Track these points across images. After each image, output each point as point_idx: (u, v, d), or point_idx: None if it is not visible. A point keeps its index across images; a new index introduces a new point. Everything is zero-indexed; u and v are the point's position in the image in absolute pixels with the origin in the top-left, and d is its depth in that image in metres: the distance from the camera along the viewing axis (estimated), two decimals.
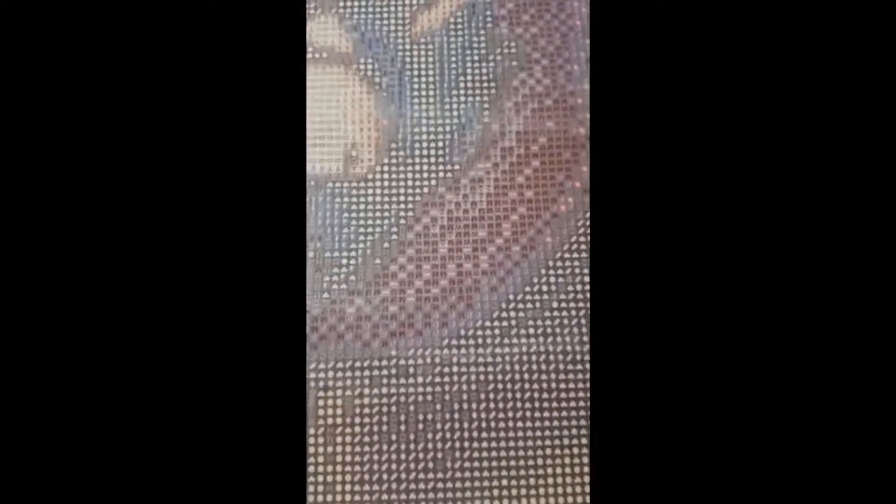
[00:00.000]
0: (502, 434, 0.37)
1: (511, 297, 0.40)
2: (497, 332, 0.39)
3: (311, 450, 0.36)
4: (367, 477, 0.36)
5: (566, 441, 0.36)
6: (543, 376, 0.38)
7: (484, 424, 0.37)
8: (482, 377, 0.38)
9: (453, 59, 0.44)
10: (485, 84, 0.44)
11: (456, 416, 0.37)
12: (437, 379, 0.38)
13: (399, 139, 0.42)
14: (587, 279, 0.39)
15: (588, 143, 0.42)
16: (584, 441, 0.36)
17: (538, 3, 0.45)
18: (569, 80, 0.44)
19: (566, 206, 0.41)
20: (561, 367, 0.38)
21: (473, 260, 0.40)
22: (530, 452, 0.36)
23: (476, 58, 0.44)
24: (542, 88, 0.44)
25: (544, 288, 0.40)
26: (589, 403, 0.37)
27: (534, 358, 0.38)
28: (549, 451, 0.36)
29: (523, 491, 0.36)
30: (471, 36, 0.44)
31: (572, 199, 0.41)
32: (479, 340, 0.39)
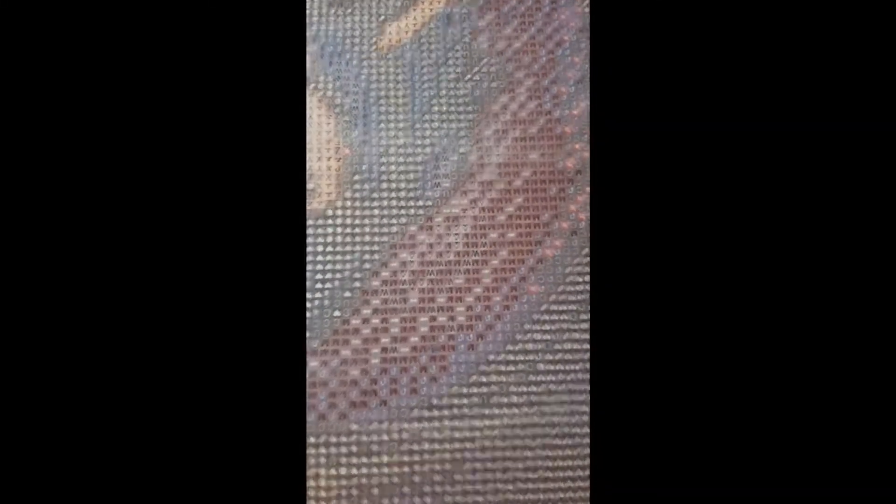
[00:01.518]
0: None
1: (491, 357, 0.35)
2: (475, 400, 0.34)
3: None
4: None
5: None
6: (529, 453, 0.33)
7: None
8: (458, 455, 0.33)
9: (426, 77, 0.39)
10: (461, 108, 0.39)
11: (427, 500, 0.32)
12: (405, 458, 0.33)
13: (363, 170, 0.37)
14: (578, 336, 0.35)
15: (577, 177, 0.38)
16: None
17: (522, 14, 0.41)
18: (556, 104, 0.39)
19: (553, 251, 0.36)
20: (549, 442, 0.33)
21: (448, 312, 0.35)
22: None
23: (452, 76, 0.39)
24: (525, 114, 0.39)
25: (529, 346, 0.35)
26: (586, 484, 0.32)
27: (518, 432, 0.33)
28: None
29: None
30: (446, 51, 0.39)
31: (560, 242, 0.37)
32: (455, 411, 0.34)
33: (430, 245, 0.36)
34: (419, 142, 0.38)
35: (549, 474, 0.33)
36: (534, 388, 0.34)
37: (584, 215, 0.37)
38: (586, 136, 0.38)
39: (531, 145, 0.38)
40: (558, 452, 0.33)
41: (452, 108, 0.39)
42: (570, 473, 0.33)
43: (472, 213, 0.37)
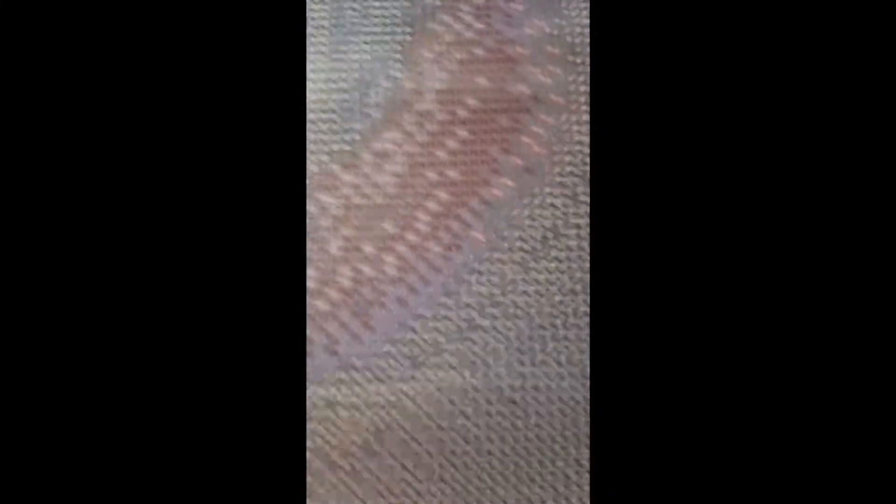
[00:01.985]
0: (403, 500, 0.28)
1: (422, 311, 0.30)
2: (403, 362, 0.29)
3: None
4: None
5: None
6: (462, 422, 0.29)
7: (381, 488, 0.28)
8: (381, 424, 0.29)
9: None
10: (395, 28, 0.34)
11: (343, 476, 0.28)
12: (320, 427, 0.29)
13: None
14: (524, 288, 0.30)
15: (532, 105, 0.32)
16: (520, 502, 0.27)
17: None
18: (508, 23, 0.34)
19: (502, 191, 0.32)
20: (488, 408, 0.29)
21: (375, 263, 0.31)
22: None
23: None
24: (472, 34, 0.34)
25: (467, 300, 0.30)
26: (532, 457, 0.28)
27: (453, 398, 0.29)
28: None
29: None
30: None
31: (510, 182, 0.32)
32: (379, 373, 0.29)
33: (356, 186, 0.32)
34: (344, 66, 0.33)
35: (491, 447, 0.28)
36: (473, 348, 0.29)
37: (540, 149, 0.32)
38: (541, 58, 0.33)
39: (478, 69, 0.33)
40: (498, 422, 0.28)
41: (384, 29, 0.34)
42: (512, 445, 0.28)
43: (407, 149, 0.32)
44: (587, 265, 0.30)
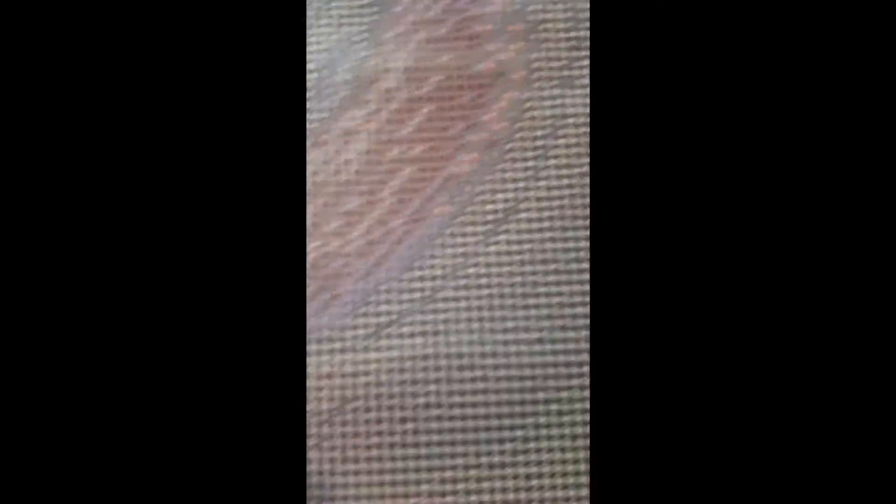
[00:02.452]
0: (369, 465, 0.29)
1: (385, 285, 0.31)
2: (368, 331, 0.31)
3: None
4: None
5: (455, 474, 0.29)
6: (426, 388, 0.30)
7: (349, 454, 0.29)
8: (347, 392, 0.30)
9: None
10: (360, 6, 0.35)
11: (311, 442, 0.29)
12: None
13: None
14: (484, 260, 0.31)
15: (495, 82, 0.33)
16: (482, 472, 0.29)
17: None
18: (470, 1, 0.35)
19: (466, 166, 0.33)
20: (449, 374, 0.30)
21: (342, 237, 0.32)
22: (400, 489, 0.28)
23: None
24: (435, 12, 0.34)
25: (428, 273, 0.31)
26: (492, 422, 0.29)
27: (417, 364, 0.30)
28: (426, 488, 0.29)
29: None
30: None
31: (474, 156, 0.33)
32: (345, 343, 0.31)
33: (324, 163, 0.33)
34: (310, 47, 0.34)
35: (453, 412, 0.29)
36: (434, 317, 0.31)
37: (503, 125, 0.33)
38: (504, 36, 0.34)
39: (442, 47, 0.34)
40: (460, 386, 0.30)
41: (349, 9, 0.34)
42: (471, 411, 0.29)
43: (372, 126, 0.33)
44: (549, 235, 0.31)
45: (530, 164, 0.32)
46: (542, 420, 0.29)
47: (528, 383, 0.30)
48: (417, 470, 0.29)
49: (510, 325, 0.30)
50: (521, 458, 0.29)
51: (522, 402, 0.30)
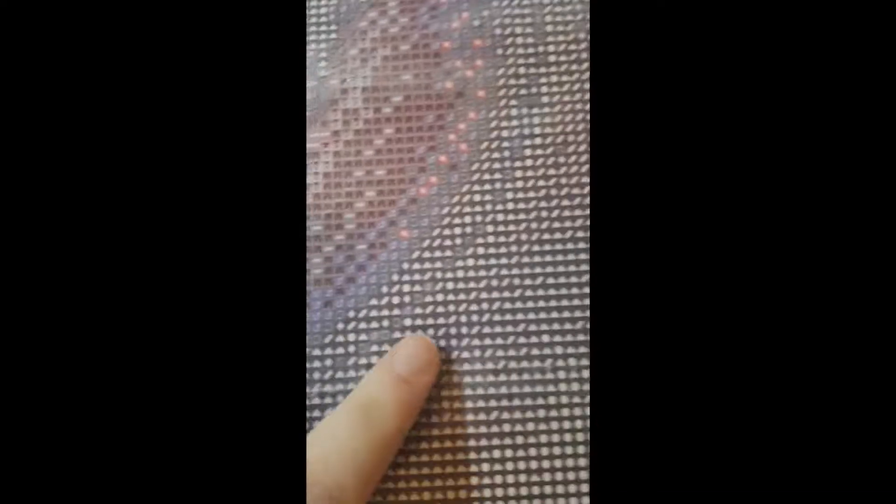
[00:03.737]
0: None
1: (351, 314, 0.31)
2: (329, 362, 0.30)
3: None
4: None
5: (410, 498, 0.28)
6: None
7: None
8: (311, 426, 0.29)
9: None
10: (321, 26, 0.34)
11: None
12: None
13: None
14: (452, 287, 0.31)
15: (458, 102, 0.33)
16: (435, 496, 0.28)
17: None
18: (433, 17, 0.34)
19: (428, 189, 0.32)
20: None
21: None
22: None
23: None
24: (397, 29, 0.34)
25: (395, 300, 0.31)
26: (459, 456, 0.29)
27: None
28: None
29: None
30: None
31: (436, 179, 0.32)
32: (305, 376, 0.30)
33: None
34: None
35: (413, 445, 0.29)
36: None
37: (466, 146, 0.32)
38: (468, 52, 0.33)
39: (403, 66, 0.33)
40: (422, 419, 0.29)
41: (310, 28, 0.34)
42: (438, 444, 0.29)
43: (334, 148, 0.33)
44: (511, 261, 0.31)
45: (495, 185, 0.32)
46: (508, 454, 0.29)
47: (494, 415, 0.29)
48: None
49: (475, 354, 0.30)
50: (477, 494, 0.29)
51: (483, 436, 0.29)
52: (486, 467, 0.28)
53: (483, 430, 0.29)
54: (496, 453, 0.29)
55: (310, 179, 0.32)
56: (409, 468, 0.29)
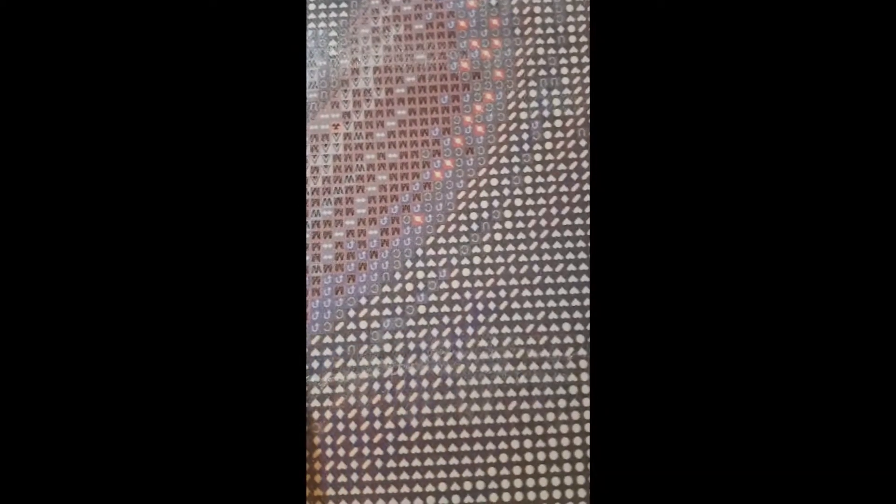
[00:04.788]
0: (345, 492, 0.27)
1: (363, 300, 0.30)
2: (340, 351, 0.29)
3: None
4: None
5: (433, 488, 0.27)
6: (400, 411, 0.28)
7: (318, 479, 0.28)
8: (315, 414, 0.28)
9: None
10: (330, 4, 0.33)
11: None
12: None
13: None
14: (467, 273, 0.30)
15: (474, 82, 0.32)
16: (454, 486, 0.27)
17: None
18: None
19: (442, 173, 0.31)
20: (428, 397, 0.28)
21: (312, 251, 0.30)
22: None
23: None
24: (410, 7, 0.33)
25: (409, 287, 0.30)
26: (468, 448, 0.28)
27: (388, 385, 0.29)
28: None
29: None
30: None
31: (451, 162, 0.31)
32: (314, 364, 0.29)
33: None
34: None
35: (427, 436, 0.28)
36: (413, 335, 0.29)
37: (482, 128, 0.31)
38: (485, 32, 0.32)
39: (417, 45, 0.32)
40: (440, 409, 0.28)
41: (320, 7, 0.33)
42: (454, 436, 0.28)
43: (344, 130, 0.32)
44: (530, 247, 0.30)
45: (513, 169, 0.31)
46: (515, 441, 0.28)
47: (502, 399, 0.28)
48: (399, 497, 0.27)
49: (491, 343, 0.29)
50: (495, 485, 0.28)
51: (495, 421, 0.28)
52: (503, 458, 0.27)
53: (501, 420, 0.28)
54: (514, 444, 0.28)
55: (319, 162, 0.31)
56: (426, 459, 0.28)
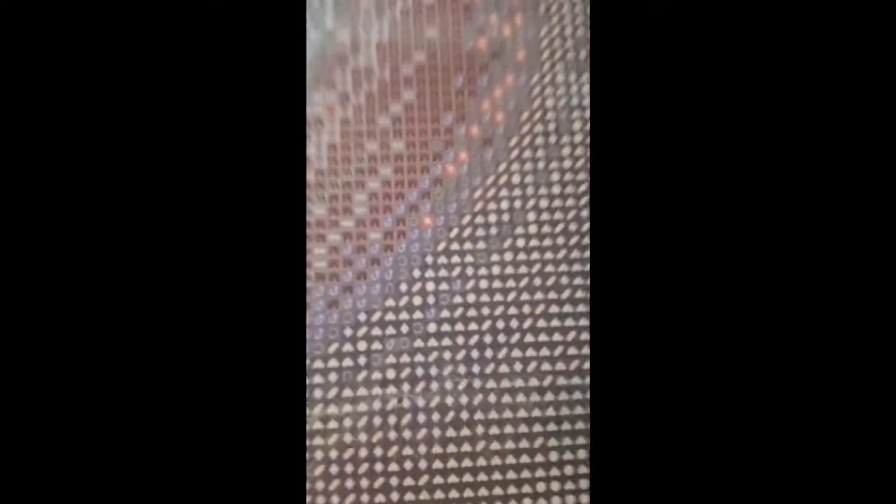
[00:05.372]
0: None
1: (362, 317, 0.25)
2: (334, 378, 0.25)
3: None
4: None
5: None
6: (406, 450, 0.24)
7: None
8: (311, 456, 0.24)
9: None
10: None
11: None
12: None
13: None
14: (492, 285, 0.25)
15: (493, 63, 0.27)
16: None
17: None
18: None
19: (456, 167, 0.27)
20: (440, 433, 0.24)
21: (304, 255, 0.26)
22: None
23: None
24: None
25: (417, 301, 0.25)
26: (485, 486, 0.23)
27: (392, 420, 0.24)
28: None
29: None
30: None
31: (466, 155, 0.27)
32: (307, 394, 0.25)
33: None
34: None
35: (440, 480, 0.24)
36: (422, 359, 0.25)
37: (502, 116, 0.27)
38: (505, 6, 0.28)
39: (427, 18, 0.28)
40: (452, 449, 0.24)
41: None
42: (471, 479, 0.24)
43: (342, 115, 0.27)
44: (557, 255, 0.26)
45: (537, 164, 0.27)
46: (541, 489, 0.24)
47: (538, 442, 0.24)
48: None
49: (509, 369, 0.25)
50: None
51: (526, 466, 0.24)
52: (527, 503, 0.23)
53: (526, 460, 0.24)
54: (540, 487, 0.23)
55: (310, 152, 0.27)
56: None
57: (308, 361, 0.25)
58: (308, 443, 0.24)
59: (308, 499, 0.23)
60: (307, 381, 0.24)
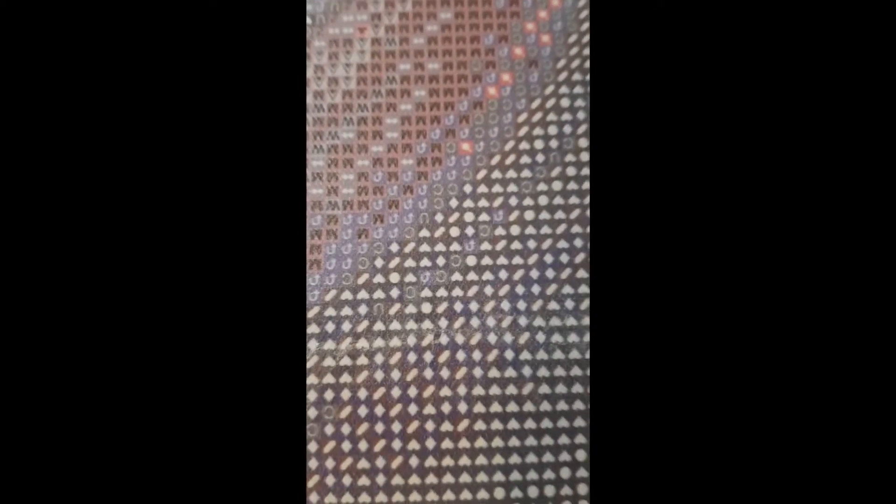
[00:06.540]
0: (367, 498, 0.21)
1: (394, 247, 0.23)
2: (364, 310, 0.22)
3: None
4: None
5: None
6: (443, 391, 0.22)
7: (330, 482, 0.21)
8: (329, 394, 0.21)
9: None
10: None
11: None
12: None
13: None
14: (538, 217, 0.23)
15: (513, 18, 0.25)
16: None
17: None
18: None
19: (498, 90, 0.24)
20: (481, 373, 0.22)
21: (325, 183, 0.23)
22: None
23: None
24: None
25: (454, 232, 0.23)
26: (533, 434, 0.21)
27: (427, 357, 0.22)
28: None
29: None
30: None
31: (509, 77, 0.24)
32: (329, 327, 0.22)
33: (307, 80, 0.24)
34: None
35: (482, 425, 0.21)
36: (458, 293, 0.22)
37: (548, 37, 0.25)
38: None
39: None
40: (495, 391, 0.21)
41: None
42: (516, 426, 0.21)
43: (374, 35, 0.25)
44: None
45: (587, 88, 0.24)
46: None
47: (579, 388, 0.22)
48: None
49: (564, 305, 0.22)
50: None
51: (579, 413, 0.21)
52: (580, 456, 0.21)
53: (579, 406, 0.21)
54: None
55: (339, 73, 0.24)
56: (477, 456, 0.21)
57: (335, 293, 0.22)
58: (334, 380, 0.21)
59: (332, 445, 0.21)
60: (332, 314, 0.22)
